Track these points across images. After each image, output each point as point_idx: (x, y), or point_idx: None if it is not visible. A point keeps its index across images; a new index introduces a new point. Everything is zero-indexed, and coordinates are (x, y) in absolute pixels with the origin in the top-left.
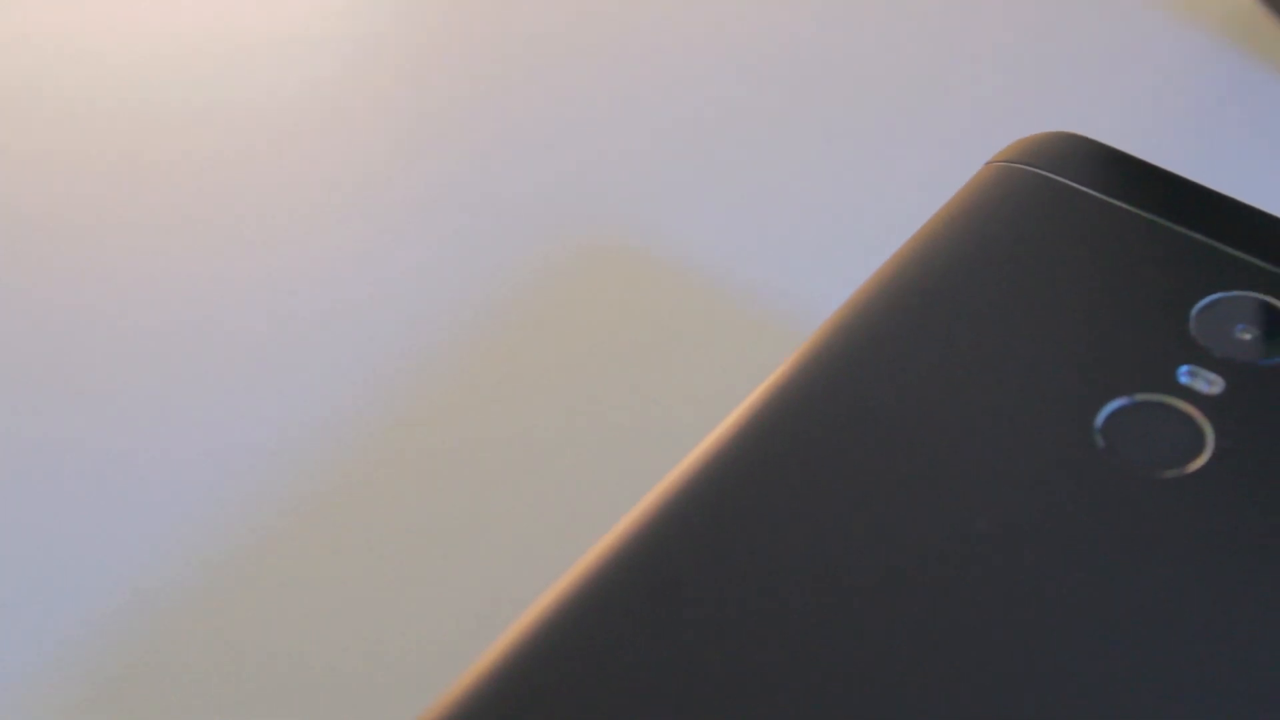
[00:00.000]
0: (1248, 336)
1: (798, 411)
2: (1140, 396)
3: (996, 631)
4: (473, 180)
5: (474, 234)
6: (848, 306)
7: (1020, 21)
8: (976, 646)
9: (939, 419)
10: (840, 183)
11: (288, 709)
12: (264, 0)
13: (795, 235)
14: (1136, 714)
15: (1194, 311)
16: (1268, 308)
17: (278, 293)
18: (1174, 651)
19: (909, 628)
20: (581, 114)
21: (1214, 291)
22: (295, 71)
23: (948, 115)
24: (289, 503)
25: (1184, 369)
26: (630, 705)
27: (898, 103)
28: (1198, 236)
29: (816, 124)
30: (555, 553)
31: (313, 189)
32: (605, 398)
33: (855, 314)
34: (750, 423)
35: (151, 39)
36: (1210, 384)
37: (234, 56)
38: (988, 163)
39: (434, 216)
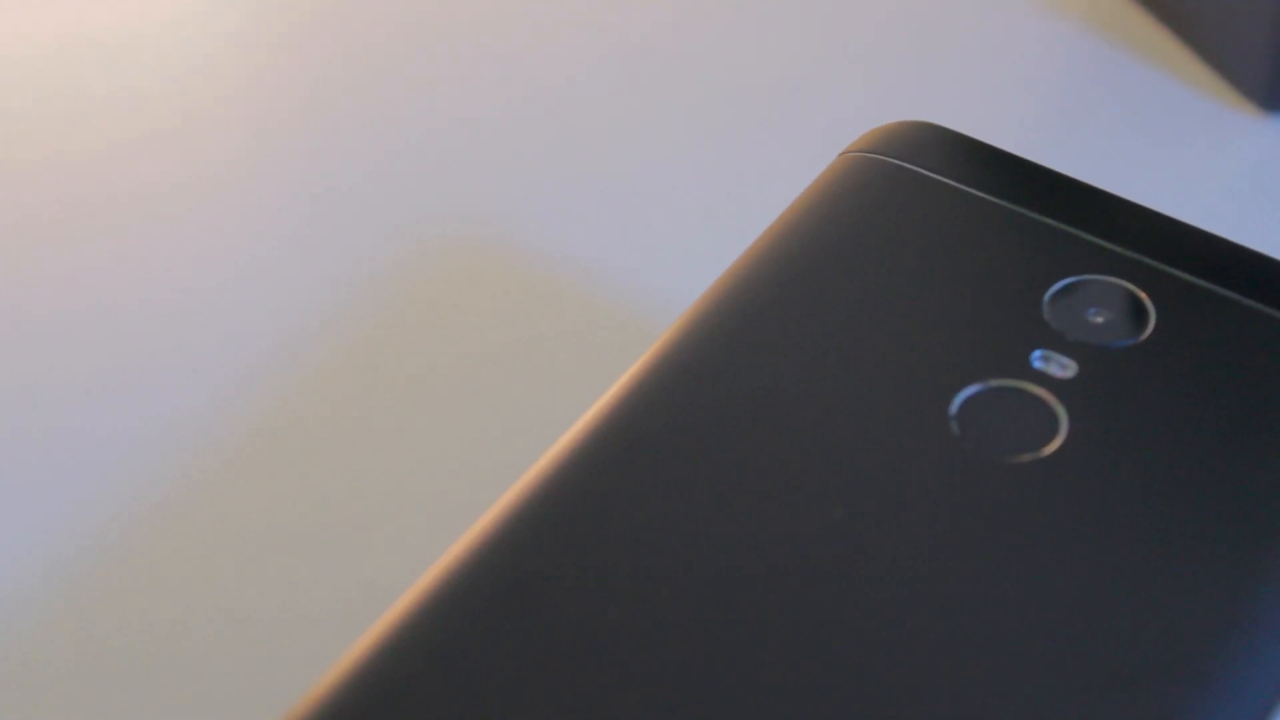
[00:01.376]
0: (1100, 320)
1: (653, 407)
2: (994, 382)
3: (854, 619)
4: (327, 180)
5: (329, 233)
6: (703, 300)
7: (880, 11)
8: (834, 635)
9: (795, 410)
10: (697, 176)
11: (138, 711)
12: (115, 2)
13: (652, 229)
14: (991, 693)
15: (1047, 296)
16: (1120, 291)
17: (128, 291)
18: (1027, 633)
19: (765, 619)
20: (437, 113)
21: (1067, 276)
22: (146, 73)
23: (807, 106)
24: (137, 503)
25: (1037, 354)
26: (487, 703)
27: (755, 94)
28: (1051, 222)
29: (673, 117)
30: (415, 552)
31: (165, 189)
32: (461, 395)
33: (710, 308)
34: (606, 419)
35: (2, 40)
36: (1064, 368)
37: (86, 57)
38: (842, 153)
39: (288, 216)
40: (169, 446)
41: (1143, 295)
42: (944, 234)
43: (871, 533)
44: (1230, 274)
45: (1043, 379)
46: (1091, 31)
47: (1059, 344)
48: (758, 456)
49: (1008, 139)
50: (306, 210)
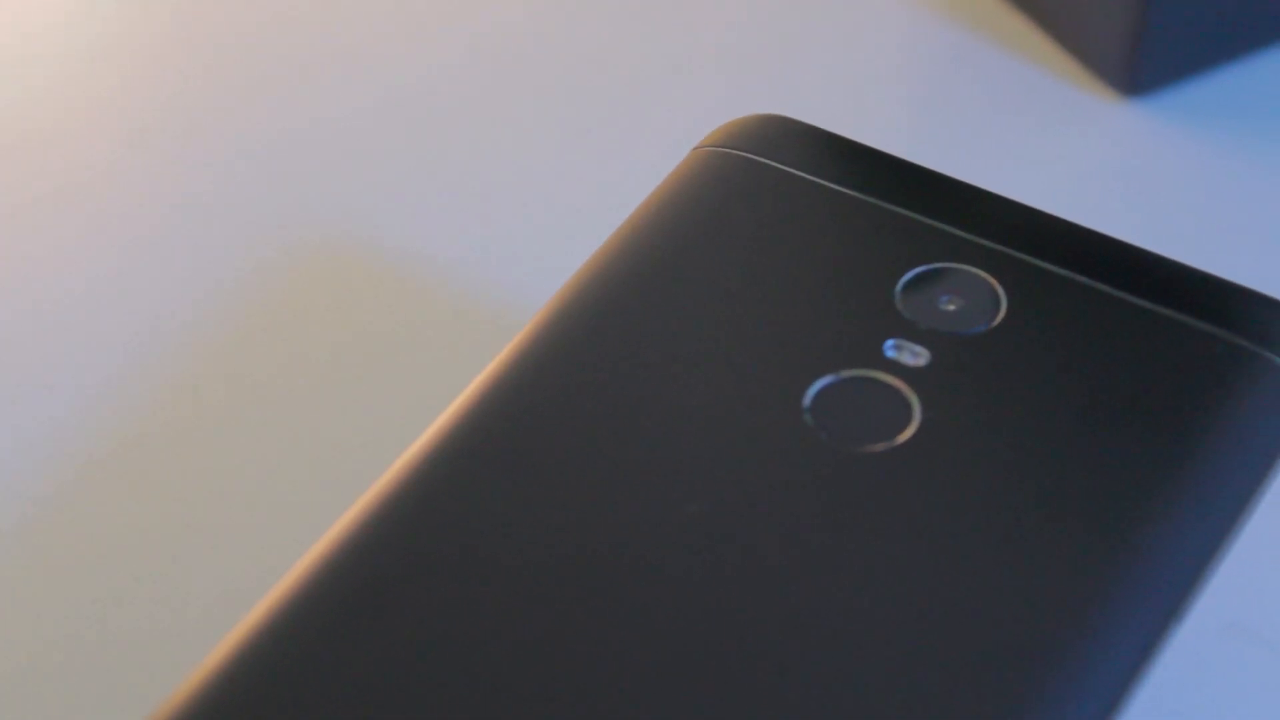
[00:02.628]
0: (953, 308)
1: (509, 406)
2: (846, 373)
3: (711, 613)
4: (182, 187)
5: (186, 240)
6: (558, 298)
7: (739, 4)
8: (691, 628)
9: (649, 405)
10: (552, 173)
11: None
12: None
13: (508, 227)
14: (847, 682)
15: (899, 286)
16: (971, 278)
17: None
18: (882, 621)
19: (619, 615)
20: (293, 117)
21: (918, 265)
22: (3, 85)
23: (665, 100)
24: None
25: (890, 343)
26: (344, 703)
27: (611, 89)
28: (902, 211)
29: (527, 114)
30: (275, 557)
31: (20, 200)
32: (319, 398)
33: (565, 305)
34: (462, 419)
35: None
36: (916, 356)
37: None
38: (694, 148)
39: (143, 224)
40: (33, 452)
41: (994, 282)
42: (796, 226)
43: (726, 526)
44: (1080, 259)
45: (895, 368)
46: (951, 21)
47: (911, 333)
48: (613, 453)
49: (869, 130)
50: (162, 218)
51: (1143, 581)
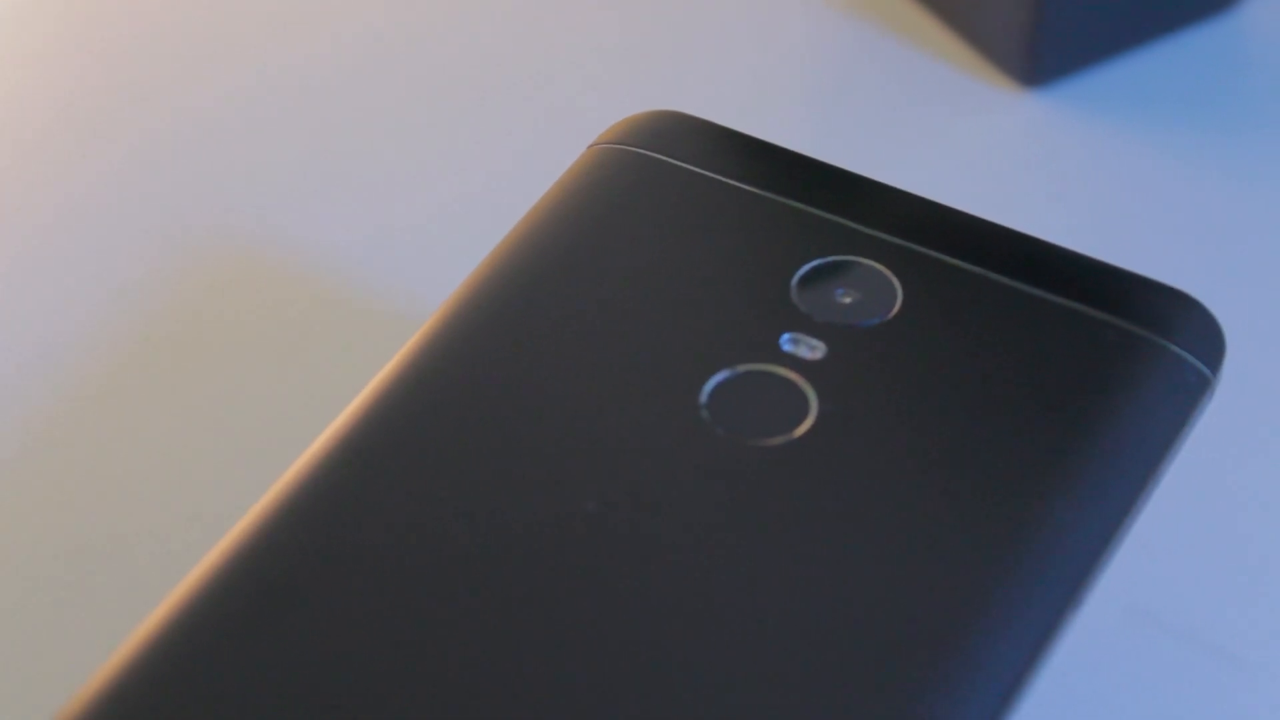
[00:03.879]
0: (849, 300)
1: (407, 405)
2: (743, 367)
3: (611, 610)
4: (81, 189)
5: (80, 246)
6: (454, 298)
7: (636, 1)
8: (590, 625)
9: (548, 403)
10: (451, 172)
11: None
12: None
13: (409, 225)
14: (743, 675)
15: (795, 279)
16: (867, 271)
17: None
18: (780, 614)
19: (517, 612)
20: (187, 119)
21: (814, 258)
22: None
23: (568, 97)
24: None
25: (786, 337)
26: (241, 704)
27: (510, 87)
28: (798, 205)
29: (424, 113)
30: (177, 559)
31: None
32: (218, 399)
33: (462, 304)
34: (361, 419)
35: None
36: (813, 349)
37: None
38: (591, 145)
39: (36, 231)
40: None
41: (889, 274)
42: (692, 221)
43: (625, 524)
44: (977, 250)
45: (792, 361)
46: (852, 15)
47: (808, 326)
48: (512, 451)
49: (772, 125)
50: (56, 220)
51: (1040, 569)
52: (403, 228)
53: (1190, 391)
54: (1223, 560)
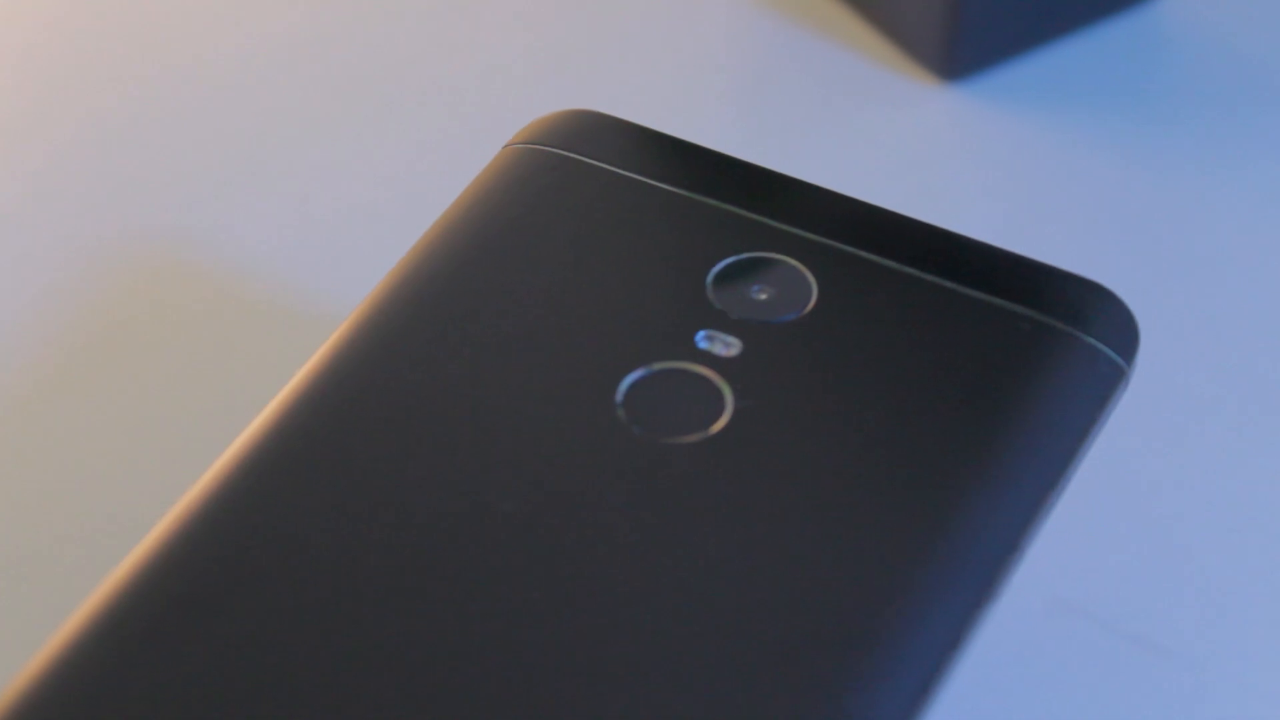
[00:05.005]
0: (764, 297)
1: (322, 408)
2: (658, 365)
3: (528, 611)
4: (1, 199)
5: (3, 249)
6: (372, 297)
7: (553, 1)
8: (507, 625)
9: (465, 403)
10: (368, 173)
11: None
12: None
13: (325, 227)
14: (662, 672)
15: (710, 277)
16: (781, 267)
17: None
18: (698, 610)
19: (434, 614)
20: (100, 126)
21: (729, 255)
22: None
23: (484, 99)
24: None
25: (701, 334)
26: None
27: (427, 89)
28: (713, 203)
29: (342, 115)
30: (94, 565)
31: None
32: (138, 399)
33: (378, 305)
34: (275, 422)
35: None
36: (728, 346)
37: None
38: (506, 145)
39: None
40: None
41: (804, 270)
42: (606, 221)
43: (543, 524)
44: (891, 245)
45: (707, 359)
46: (770, 11)
47: (723, 323)
48: (428, 454)
49: (691, 122)
50: None
51: (956, 560)
52: (320, 229)
53: (1104, 382)
54: (1144, 550)
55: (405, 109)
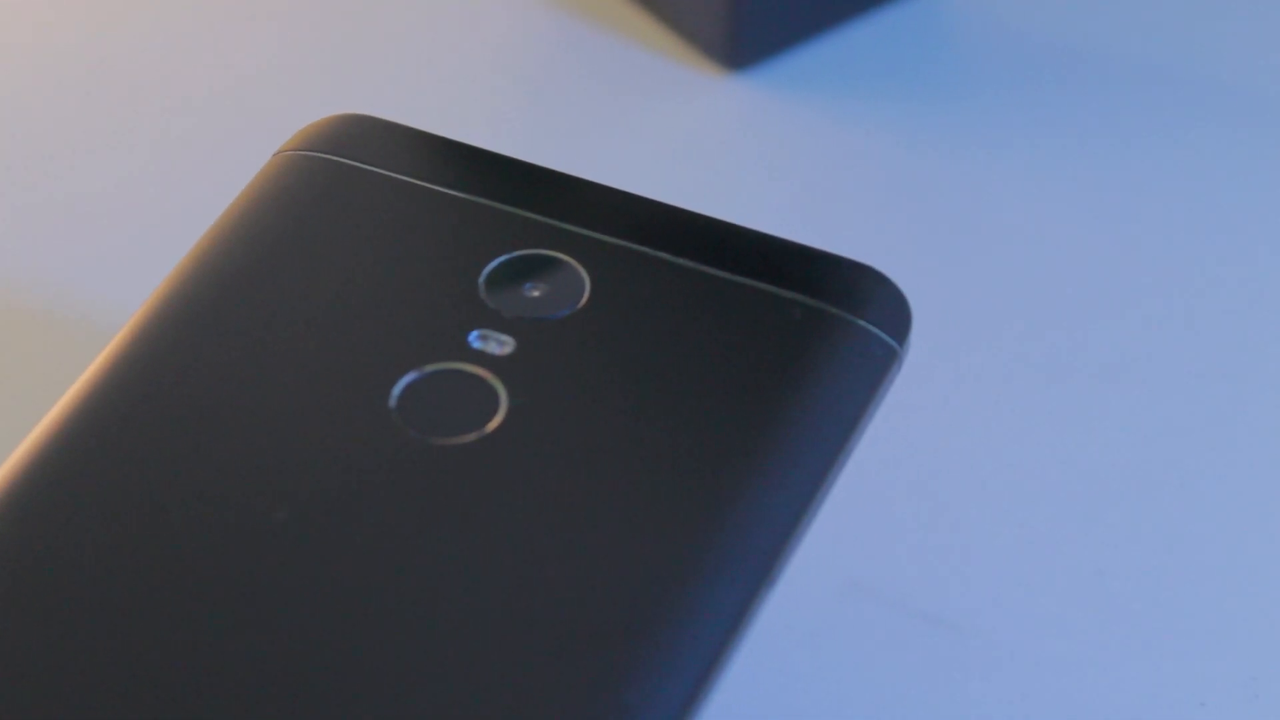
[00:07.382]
0: (537, 294)
1: (99, 416)
2: (431, 367)
3: (305, 617)
4: None
5: None
6: (144, 308)
7: (328, 4)
8: (282, 632)
9: (238, 411)
10: (139, 182)
11: None
12: None
13: (97, 237)
14: (441, 674)
15: (483, 276)
16: (554, 263)
17: None
18: (477, 611)
19: (210, 621)
20: None
21: (501, 254)
22: None
23: (258, 107)
24: None
25: (475, 334)
26: None
27: (199, 96)
28: (484, 202)
29: (112, 124)
30: None
31: None
32: None
33: (151, 315)
34: (53, 432)
35: None
36: (502, 345)
37: None
38: (276, 153)
39: None
40: None
41: (577, 265)
42: (377, 224)
43: (317, 531)
44: (665, 237)
45: (481, 358)
46: (551, 6)
47: (497, 322)
48: (202, 463)
49: (473, 122)
50: None
51: (732, 548)
52: (91, 239)
53: (877, 363)
54: (928, 529)
55: (173, 115)
